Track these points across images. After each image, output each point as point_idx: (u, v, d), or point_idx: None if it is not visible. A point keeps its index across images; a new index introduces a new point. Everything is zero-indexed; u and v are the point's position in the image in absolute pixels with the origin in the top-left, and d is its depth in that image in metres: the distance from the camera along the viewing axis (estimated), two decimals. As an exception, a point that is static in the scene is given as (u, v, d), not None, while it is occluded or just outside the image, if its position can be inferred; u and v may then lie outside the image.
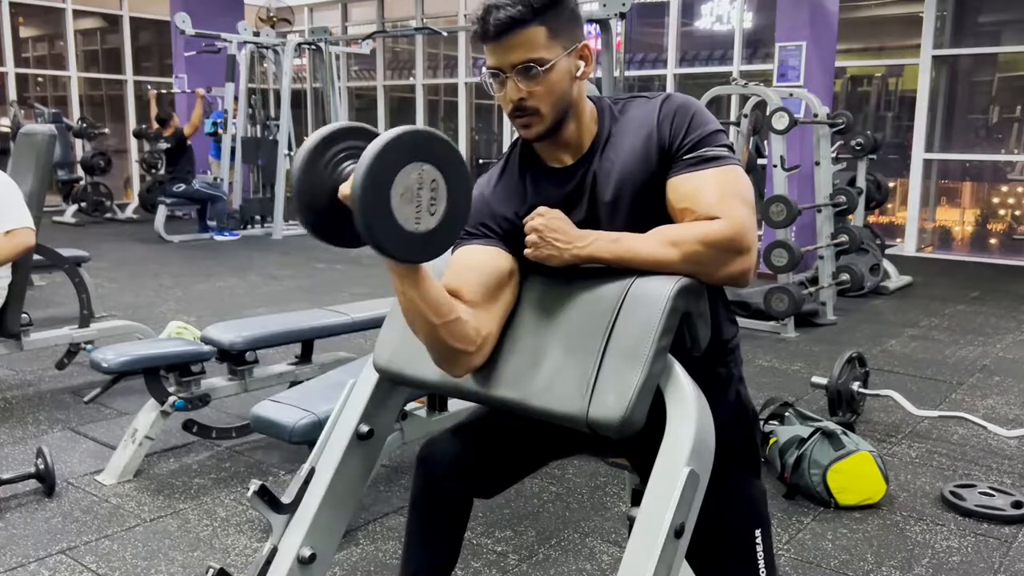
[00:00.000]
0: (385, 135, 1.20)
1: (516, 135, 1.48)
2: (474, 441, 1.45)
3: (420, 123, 12.30)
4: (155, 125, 8.93)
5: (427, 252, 1.25)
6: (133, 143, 11.66)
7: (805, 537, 2.53)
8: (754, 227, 1.37)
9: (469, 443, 1.43)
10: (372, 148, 1.18)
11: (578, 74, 1.40)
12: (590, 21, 5.41)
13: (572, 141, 1.44)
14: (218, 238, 8.60)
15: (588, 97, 1.46)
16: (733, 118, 7.34)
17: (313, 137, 1.32)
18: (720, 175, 1.36)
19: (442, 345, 1.32)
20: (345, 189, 1.24)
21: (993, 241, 8.71)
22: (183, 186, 8.42)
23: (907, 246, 8.44)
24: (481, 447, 1.50)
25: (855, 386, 3.44)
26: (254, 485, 1.43)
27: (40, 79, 12.45)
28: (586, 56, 1.42)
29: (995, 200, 8.66)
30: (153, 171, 10.07)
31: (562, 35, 1.37)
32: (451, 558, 1.62)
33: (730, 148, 1.40)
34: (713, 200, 1.33)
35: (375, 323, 3.13)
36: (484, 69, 1.40)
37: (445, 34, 11.18)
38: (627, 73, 7.11)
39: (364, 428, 1.52)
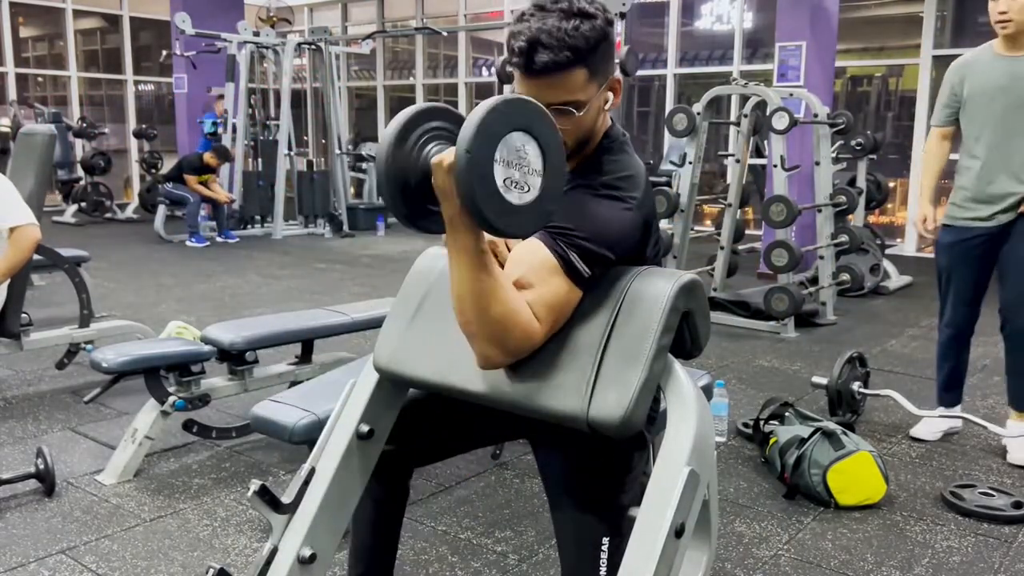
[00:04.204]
0: (485, 104, 1.17)
1: None
2: (412, 405, 1.55)
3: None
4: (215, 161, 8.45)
5: (526, 225, 1.23)
6: (133, 143, 11.66)
7: (805, 537, 2.53)
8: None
9: (408, 406, 1.54)
10: (474, 115, 1.16)
11: (607, 107, 1.43)
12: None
13: (578, 158, 1.47)
14: (218, 239, 8.61)
15: (610, 126, 1.48)
16: (733, 118, 7.34)
17: (395, 122, 1.27)
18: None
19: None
20: (447, 157, 1.20)
21: (993, 241, 8.69)
22: (183, 187, 8.40)
23: (907, 246, 8.44)
24: (417, 410, 1.60)
25: (855, 386, 3.45)
26: (254, 485, 1.42)
27: (40, 79, 12.45)
28: (615, 88, 1.44)
29: (995, 200, 8.64)
30: (153, 171, 10.06)
31: (599, 73, 1.39)
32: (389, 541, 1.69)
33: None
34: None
35: (375, 323, 3.13)
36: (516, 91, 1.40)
37: (445, 34, 11.18)
38: (627, 73, 7.11)
39: (364, 428, 1.52)
